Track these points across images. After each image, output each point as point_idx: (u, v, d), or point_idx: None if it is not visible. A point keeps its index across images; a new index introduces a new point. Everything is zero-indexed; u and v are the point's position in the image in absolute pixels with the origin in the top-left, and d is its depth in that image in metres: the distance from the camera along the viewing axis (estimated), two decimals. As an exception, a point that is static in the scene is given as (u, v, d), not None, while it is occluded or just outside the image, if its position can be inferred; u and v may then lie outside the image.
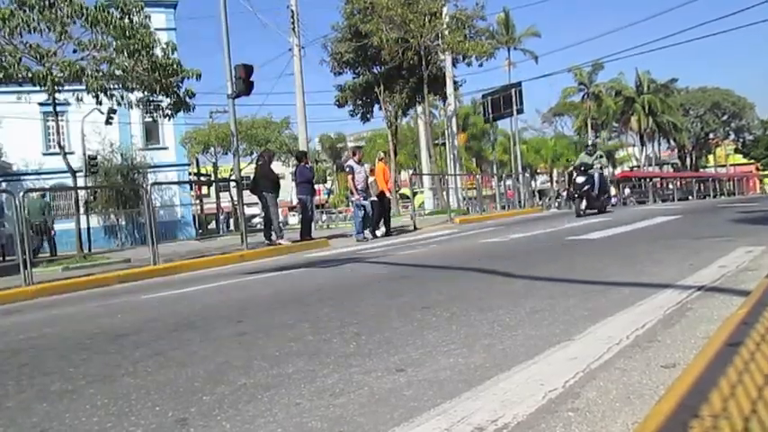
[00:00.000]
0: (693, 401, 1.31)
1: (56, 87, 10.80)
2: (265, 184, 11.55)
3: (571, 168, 15.30)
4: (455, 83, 28.48)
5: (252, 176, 12.49)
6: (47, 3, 10.23)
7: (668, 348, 2.25)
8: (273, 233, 11.63)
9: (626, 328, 2.56)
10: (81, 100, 11.66)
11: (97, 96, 11.14)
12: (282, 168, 55.37)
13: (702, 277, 3.68)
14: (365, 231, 12.10)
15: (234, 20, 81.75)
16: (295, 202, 13.32)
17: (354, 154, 12.78)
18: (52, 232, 16.03)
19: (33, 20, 10.07)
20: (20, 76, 10.49)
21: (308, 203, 12.21)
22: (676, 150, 62.70)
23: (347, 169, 12.37)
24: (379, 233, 12.51)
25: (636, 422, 1.57)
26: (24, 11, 10.07)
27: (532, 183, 44.62)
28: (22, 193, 8.01)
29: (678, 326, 2.57)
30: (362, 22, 25.88)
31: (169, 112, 12.53)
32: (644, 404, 1.71)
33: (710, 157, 65.55)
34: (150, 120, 15.03)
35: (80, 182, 19.49)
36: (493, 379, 2.07)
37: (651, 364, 2.08)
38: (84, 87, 11.01)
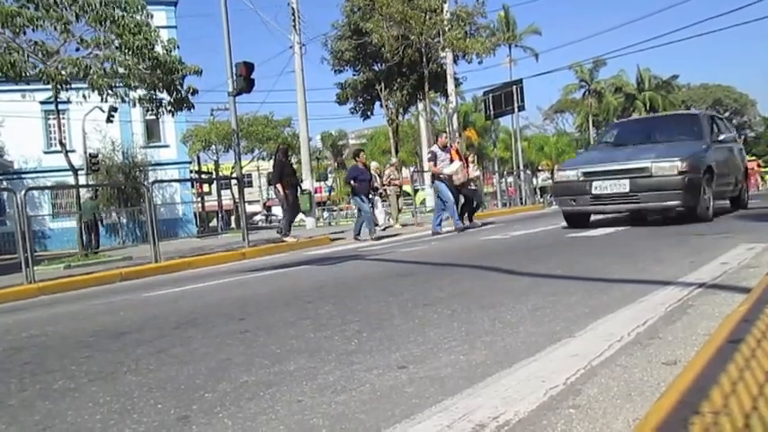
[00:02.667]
0: (694, 398, 1.31)
1: (62, 85, 10.81)
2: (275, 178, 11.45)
3: None
4: (456, 80, 28.44)
5: (272, 170, 12.09)
6: (52, 0, 10.24)
7: (669, 345, 2.26)
8: (282, 229, 11.50)
9: (627, 325, 2.56)
10: (87, 98, 11.65)
11: (102, 94, 11.14)
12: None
13: (703, 274, 3.68)
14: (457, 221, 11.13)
15: (234, 17, 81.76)
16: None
17: (437, 139, 11.79)
18: (100, 228, 18.75)
19: (38, 18, 10.07)
20: (28, 74, 10.50)
21: (356, 204, 11.86)
22: (678, 147, 62.59)
23: (429, 156, 11.39)
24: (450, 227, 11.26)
25: (637, 419, 1.57)
26: (29, 8, 10.08)
27: (534, 180, 44.63)
28: (23, 192, 8.02)
29: (679, 323, 2.57)
30: (362, 20, 25.86)
31: (171, 110, 12.52)
32: (645, 401, 1.71)
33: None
34: (152, 117, 15.01)
35: (81, 180, 19.51)
36: (494, 376, 2.07)
37: (652, 361, 2.08)
38: (87, 86, 11.01)
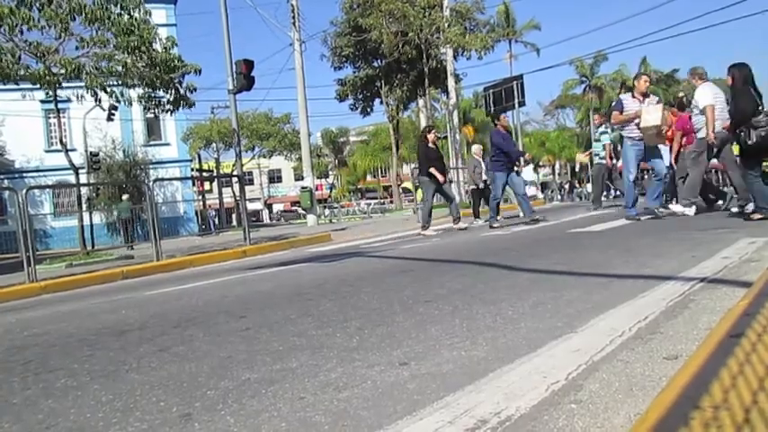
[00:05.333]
0: (695, 393, 1.31)
1: (55, 85, 10.80)
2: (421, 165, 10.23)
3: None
4: (456, 76, 28.42)
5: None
6: (45, 0, 10.23)
7: (670, 340, 2.26)
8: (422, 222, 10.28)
9: (628, 320, 2.56)
10: (83, 97, 11.65)
11: (96, 94, 11.13)
12: (284, 163, 55.50)
13: (705, 269, 3.68)
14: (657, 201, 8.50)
15: (234, 15, 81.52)
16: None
17: (635, 82, 8.51)
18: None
19: (33, 18, 10.06)
20: (18, 75, 10.49)
21: (497, 180, 9.58)
22: (679, 141, 62.51)
23: (613, 104, 8.62)
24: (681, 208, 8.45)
25: (638, 414, 1.58)
26: (24, 8, 10.06)
27: (535, 175, 44.66)
28: (24, 191, 8.03)
29: (680, 317, 2.57)
30: (362, 17, 25.84)
31: (170, 108, 12.52)
32: (646, 396, 1.71)
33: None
34: (152, 116, 15.01)
35: (82, 179, 19.57)
36: (496, 372, 2.08)
37: (653, 356, 2.08)
38: (83, 85, 11.01)
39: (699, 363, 1.52)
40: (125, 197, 20.97)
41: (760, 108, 6.50)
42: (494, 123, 10.04)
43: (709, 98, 7.77)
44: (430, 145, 10.20)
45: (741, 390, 1.29)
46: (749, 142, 6.47)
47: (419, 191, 19.52)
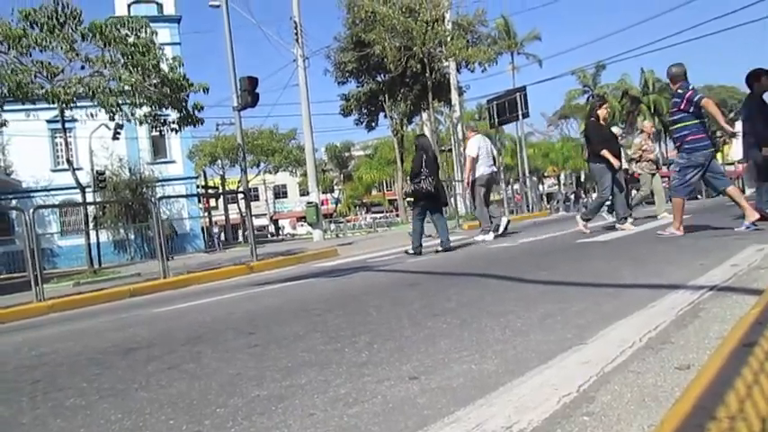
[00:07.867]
0: (709, 403, 1.30)
1: (67, 104, 10.94)
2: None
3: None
4: (459, 89, 28.50)
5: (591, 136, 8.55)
6: (57, 23, 10.39)
7: (682, 350, 2.24)
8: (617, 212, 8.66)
9: (639, 330, 2.54)
10: (94, 116, 11.77)
11: (112, 112, 11.25)
12: (289, 178, 55.71)
13: (714, 277, 3.65)
14: None
15: (237, 32, 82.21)
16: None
17: None
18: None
19: (45, 39, 10.22)
20: (35, 94, 10.64)
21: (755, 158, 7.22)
22: (684, 150, 62.40)
23: None
24: None
25: (651, 425, 1.56)
26: (34, 30, 10.23)
27: (540, 186, 44.60)
28: (32, 210, 8.08)
29: (691, 326, 2.55)
30: (364, 32, 25.99)
31: (176, 127, 12.60)
32: (659, 407, 1.69)
33: (718, 156, 65.10)
34: (157, 134, 15.16)
35: (89, 197, 19.68)
36: (506, 385, 2.06)
37: (665, 366, 2.06)
38: (94, 104, 11.14)
39: (712, 372, 1.51)
40: (165, 217, 21.69)
41: (423, 169, 8.51)
42: (750, 88, 7.52)
43: (474, 150, 10.00)
44: (602, 122, 8.54)
45: (757, 399, 1.28)
46: (408, 191, 8.68)
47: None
